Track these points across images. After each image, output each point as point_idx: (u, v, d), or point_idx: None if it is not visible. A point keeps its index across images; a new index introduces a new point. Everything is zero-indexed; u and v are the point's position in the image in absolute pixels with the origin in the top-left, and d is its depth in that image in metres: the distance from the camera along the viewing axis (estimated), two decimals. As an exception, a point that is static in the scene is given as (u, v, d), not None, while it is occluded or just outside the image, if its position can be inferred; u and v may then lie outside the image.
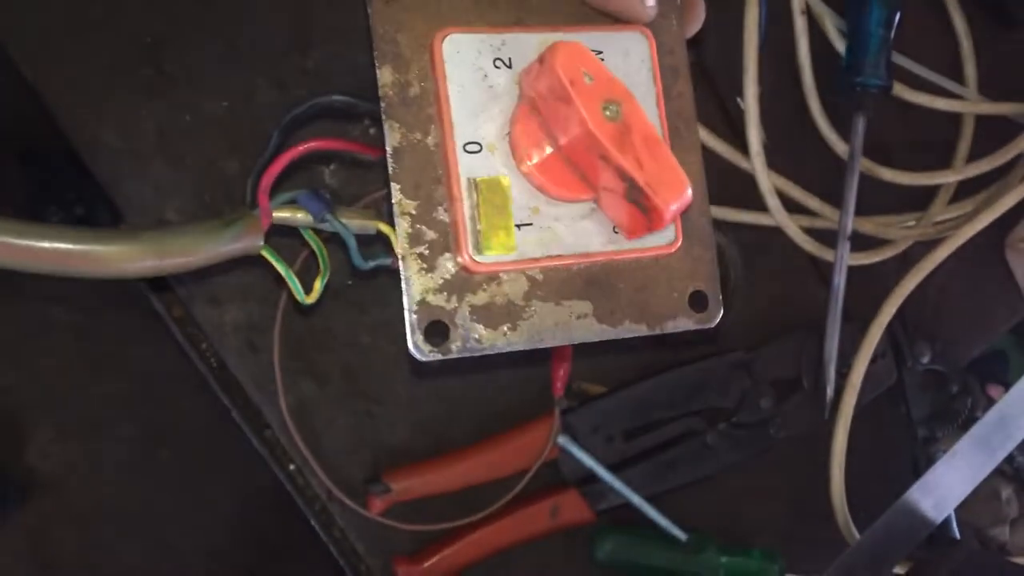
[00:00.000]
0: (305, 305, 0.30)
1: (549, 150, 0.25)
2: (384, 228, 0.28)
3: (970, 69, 0.56)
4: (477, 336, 0.25)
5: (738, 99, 0.50)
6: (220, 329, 0.42)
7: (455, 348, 0.25)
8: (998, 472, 0.52)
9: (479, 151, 0.25)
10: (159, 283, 0.42)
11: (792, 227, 0.50)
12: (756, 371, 0.50)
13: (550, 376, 0.47)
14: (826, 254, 0.51)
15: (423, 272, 0.25)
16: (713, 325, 0.28)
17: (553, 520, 0.47)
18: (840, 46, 0.52)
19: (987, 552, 0.56)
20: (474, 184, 0.25)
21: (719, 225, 0.50)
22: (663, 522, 0.48)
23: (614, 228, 0.26)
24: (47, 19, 0.39)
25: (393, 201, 0.25)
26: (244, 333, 0.42)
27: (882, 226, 0.53)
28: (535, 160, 0.25)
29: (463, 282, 0.25)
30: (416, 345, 0.25)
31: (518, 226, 0.25)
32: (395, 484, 0.44)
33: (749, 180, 0.49)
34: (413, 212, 0.25)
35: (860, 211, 0.50)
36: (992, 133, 0.55)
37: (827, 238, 0.51)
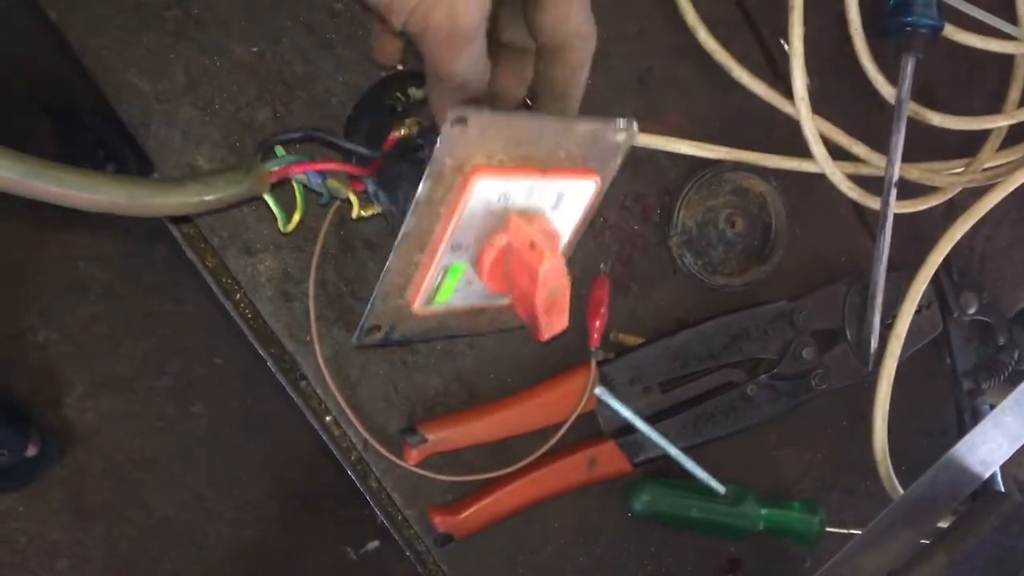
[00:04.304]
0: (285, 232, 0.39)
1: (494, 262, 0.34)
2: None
3: (1023, 8, 0.53)
4: (399, 334, 0.36)
5: (782, 41, 0.48)
6: (254, 279, 0.42)
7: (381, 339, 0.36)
8: (1044, 425, 0.51)
9: (459, 249, 0.34)
10: (193, 232, 0.41)
11: (837, 174, 0.49)
12: (798, 321, 0.49)
13: (586, 326, 0.46)
14: (871, 202, 0.50)
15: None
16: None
17: (590, 472, 0.46)
18: (888, -16, 0.50)
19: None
20: (446, 269, 0.35)
21: (762, 172, 0.49)
22: (701, 474, 0.47)
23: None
24: (73, -39, 0.38)
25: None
26: (278, 283, 0.42)
27: (929, 173, 0.52)
28: (487, 265, 0.35)
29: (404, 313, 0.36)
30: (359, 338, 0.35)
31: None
32: (431, 434, 0.43)
33: (793, 126, 0.48)
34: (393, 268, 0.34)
35: (907, 157, 0.48)
36: (1046, 75, 0.53)
37: (873, 185, 0.50)
